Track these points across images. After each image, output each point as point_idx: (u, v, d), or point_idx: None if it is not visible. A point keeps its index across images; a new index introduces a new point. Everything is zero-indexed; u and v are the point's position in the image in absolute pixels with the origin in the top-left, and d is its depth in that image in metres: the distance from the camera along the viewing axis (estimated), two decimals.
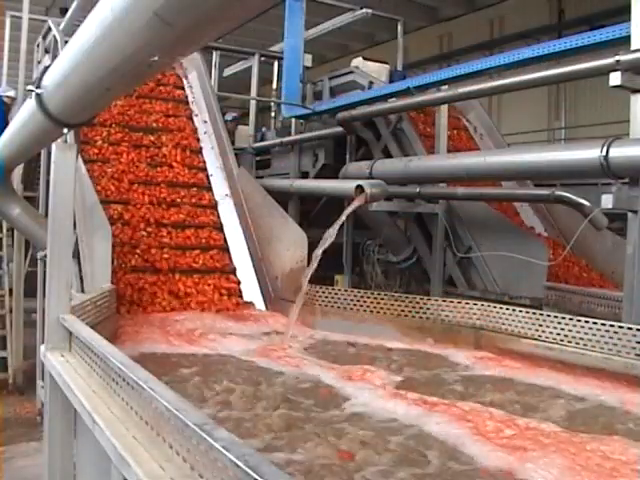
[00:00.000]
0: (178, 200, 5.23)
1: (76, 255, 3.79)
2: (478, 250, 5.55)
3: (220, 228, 5.21)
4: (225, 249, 5.07)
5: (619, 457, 2.03)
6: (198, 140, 5.90)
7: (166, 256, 4.74)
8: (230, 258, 5.02)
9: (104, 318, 3.39)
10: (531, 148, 5.91)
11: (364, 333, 3.92)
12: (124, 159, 5.34)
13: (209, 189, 5.52)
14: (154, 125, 5.81)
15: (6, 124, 5.13)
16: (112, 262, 4.01)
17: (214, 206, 5.38)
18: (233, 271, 4.94)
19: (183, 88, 6.39)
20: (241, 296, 4.81)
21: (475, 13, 12.98)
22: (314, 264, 3.97)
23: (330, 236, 4.01)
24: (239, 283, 4.88)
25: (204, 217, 5.21)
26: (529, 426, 2.32)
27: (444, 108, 5.90)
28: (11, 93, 7.12)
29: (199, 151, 5.82)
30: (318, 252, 3.95)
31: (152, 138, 5.67)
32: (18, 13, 7.09)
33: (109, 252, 3.91)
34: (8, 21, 7.62)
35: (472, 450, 2.09)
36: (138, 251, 4.68)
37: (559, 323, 3.18)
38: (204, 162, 5.73)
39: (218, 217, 5.30)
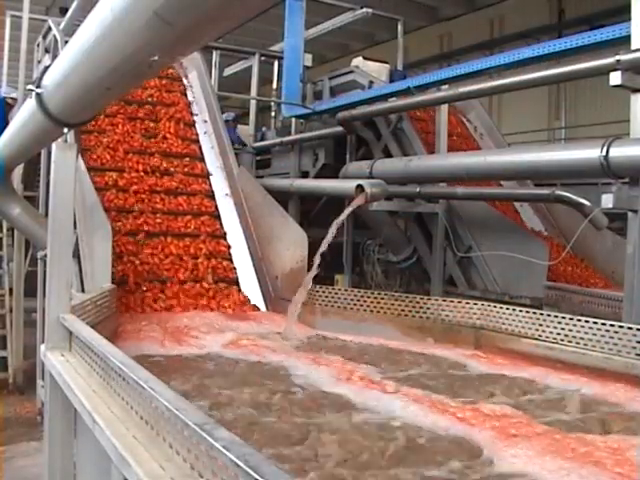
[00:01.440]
0: (171, 169, 5.38)
1: (76, 255, 3.79)
2: (478, 250, 5.54)
3: (212, 196, 5.36)
4: (216, 216, 5.22)
5: (600, 444, 2.04)
6: (191, 114, 6.07)
7: (159, 220, 4.93)
8: (221, 224, 5.17)
9: (104, 318, 3.38)
10: (531, 148, 5.91)
11: (364, 333, 3.91)
12: (119, 130, 5.50)
13: (201, 159, 5.68)
14: (149, 99, 5.97)
15: (6, 124, 5.13)
16: None
17: (206, 175, 5.54)
18: (224, 235, 5.08)
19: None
20: (231, 260, 4.93)
21: (475, 13, 12.97)
22: (313, 271, 4.02)
23: (330, 235, 4.04)
24: (229, 247, 5.01)
25: (196, 185, 5.39)
26: (513, 415, 2.34)
27: (444, 108, 5.90)
28: (15, 94, 7.13)
29: (192, 124, 5.98)
30: (316, 261, 4.02)
31: (147, 111, 5.83)
32: (18, 13, 7.08)
33: (109, 251, 3.91)
34: (8, 21, 7.62)
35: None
36: (132, 216, 4.85)
37: (559, 323, 3.17)
38: (197, 134, 5.90)
39: (210, 186, 5.46)
